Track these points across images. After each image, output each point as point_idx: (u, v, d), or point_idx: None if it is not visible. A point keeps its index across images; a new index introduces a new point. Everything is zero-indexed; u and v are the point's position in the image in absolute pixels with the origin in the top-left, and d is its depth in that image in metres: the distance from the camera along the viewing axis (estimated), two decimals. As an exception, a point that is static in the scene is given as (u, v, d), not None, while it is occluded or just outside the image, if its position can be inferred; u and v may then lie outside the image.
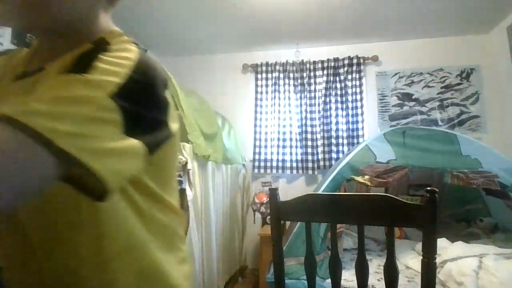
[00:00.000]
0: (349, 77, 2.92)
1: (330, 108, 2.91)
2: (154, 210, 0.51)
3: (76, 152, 0.33)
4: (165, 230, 0.54)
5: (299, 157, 2.93)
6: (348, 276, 1.44)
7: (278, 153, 2.95)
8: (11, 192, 0.31)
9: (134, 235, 0.48)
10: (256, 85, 3.11)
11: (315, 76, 2.99)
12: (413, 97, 2.89)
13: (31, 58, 0.50)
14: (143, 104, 0.41)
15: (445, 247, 1.56)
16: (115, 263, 0.46)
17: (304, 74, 3.00)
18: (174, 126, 0.49)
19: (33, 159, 0.32)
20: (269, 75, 3.09)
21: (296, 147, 2.95)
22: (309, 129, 2.91)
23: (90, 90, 0.36)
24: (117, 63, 0.39)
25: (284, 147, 2.96)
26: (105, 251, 0.45)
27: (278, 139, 2.97)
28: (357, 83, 2.89)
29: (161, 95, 0.44)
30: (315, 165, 2.86)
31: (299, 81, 3.01)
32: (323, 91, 2.93)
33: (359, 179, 1.70)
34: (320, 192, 1.61)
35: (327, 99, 2.92)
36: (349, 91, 2.90)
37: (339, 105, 2.89)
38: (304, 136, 2.91)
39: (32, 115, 0.31)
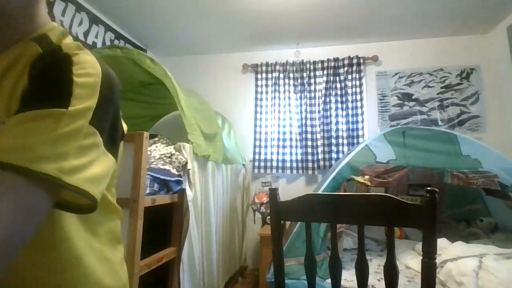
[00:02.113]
0: (349, 77, 2.92)
1: (330, 108, 2.91)
2: (103, 219, 0.53)
3: (82, 184, 0.38)
4: (112, 235, 0.56)
5: (299, 157, 2.93)
6: (348, 276, 1.44)
7: (278, 153, 2.95)
8: (21, 238, 0.35)
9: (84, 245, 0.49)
10: (256, 85, 3.11)
11: (315, 76, 2.99)
12: (413, 97, 2.89)
13: None
14: (112, 120, 0.45)
15: (445, 247, 1.56)
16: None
17: (304, 74, 3.00)
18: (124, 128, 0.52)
19: (39, 202, 0.36)
20: (269, 75, 3.09)
21: (296, 147, 2.95)
22: (309, 129, 2.91)
23: (76, 122, 0.38)
24: (89, 85, 0.40)
25: (284, 147, 2.96)
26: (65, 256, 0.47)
27: (278, 139, 2.97)
28: (357, 83, 2.90)
29: (119, 106, 0.47)
30: (315, 165, 2.86)
31: (299, 81, 3.01)
32: (323, 91, 2.93)
33: (359, 179, 1.70)
34: (320, 192, 1.61)
35: (327, 99, 2.92)
36: (349, 91, 2.90)
37: (339, 105, 2.89)
38: (304, 136, 2.91)
39: (40, 161, 0.34)
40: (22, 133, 0.35)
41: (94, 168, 0.40)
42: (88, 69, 0.41)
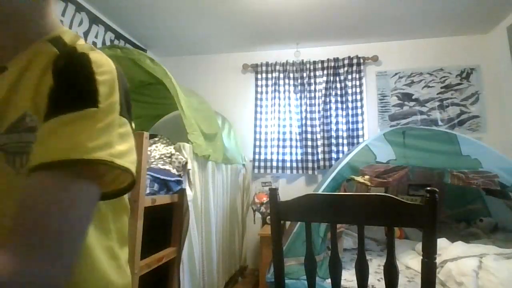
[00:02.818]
0: (349, 77, 2.92)
1: (330, 108, 2.91)
2: (114, 215, 0.55)
3: (129, 166, 0.43)
4: (120, 234, 0.57)
5: (299, 157, 2.93)
6: (348, 276, 1.44)
7: (278, 153, 2.95)
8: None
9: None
10: (256, 85, 3.11)
11: (315, 76, 2.99)
12: (413, 97, 2.89)
13: None
14: (130, 110, 0.49)
15: (445, 247, 1.56)
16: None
17: (304, 74, 3.00)
18: None
19: (94, 192, 0.41)
20: (269, 75, 3.09)
21: (296, 147, 2.95)
22: (309, 129, 2.91)
23: (109, 115, 0.42)
24: (109, 82, 0.44)
25: (284, 147, 2.96)
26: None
27: (278, 139, 2.97)
28: (357, 83, 2.89)
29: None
30: (315, 165, 2.86)
31: (299, 81, 3.01)
32: (323, 91, 2.93)
33: (359, 179, 1.70)
34: (320, 192, 1.61)
35: (327, 99, 2.92)
36: (349, 91, 2.90)
37: (339, 105, 2.89)
38: (304, 136, 2.91)
39: (92, 151, 0.39)
40: (69, 134, 0.38)
41: (133, 153, 0.46)
42: (105, 66, 0.44)
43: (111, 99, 0.43)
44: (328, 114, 2.90)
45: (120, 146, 0.42)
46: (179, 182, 1.58)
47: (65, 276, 0.36)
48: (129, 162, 0.43)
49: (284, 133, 2.97)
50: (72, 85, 0.42)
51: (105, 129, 0.41)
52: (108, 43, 2.59)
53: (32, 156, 0.38)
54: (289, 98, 3.01)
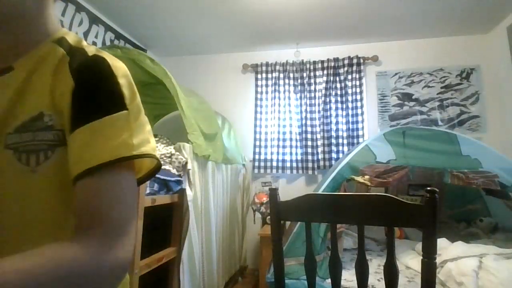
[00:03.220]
0: (349, 77, 2.92)
1: (330, 108, 2.91)
2: None
3: (155, 155, 0.48)
4: None
5: (299, 157, 2.93)
6: (348, 276, 1.44)
7: (278, 153, 2.95)
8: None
9: None
10: (256, 85, 3.11)
11: (315, 76, 2.99)
12: (413, 97, 2.89)
13: None
14: None
15: (445, 247, 1.56)
16: None
17: (304, 74, 3.00)
18: None
19: (135, 183, 0.46)
20: (269, 75, 3.09)
21: (296, 147, 2.95)
22: (309, 129, 2.91)
23: (138, 115, 0.47)
24: (129, 85, 0.47)
25: (284, 147, 2.96)
26: None
27: (278, 139, 2.97)
28: (357, 83, 2.89)
29: None
30: (315, 165, 2.86)
31: (299, 81, 3.01)
32: (323, 91, 2.93)
33: (359, 179, 1.70)
34: (320, 192, 1.61)
35: (327, 99, 2.92)
36: (349, 91, 2.90)
37: (339, 105, 2.89)
38: (304, 136, 2.91)
39: (137, 147, 0.44)
40: (111, 136, 0.42)
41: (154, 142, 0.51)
42: (121, 69, 0.47)
43: (135, 101, 0.47)
44: (328, 114, 2.90)
45: (152, 140, 0.48)
46: (179, 182, 1.58)
47: (131, 256, 0.41)
48: (159, 154, 0.51)
49: (284, 133, 2.97)
50: (100, 90, 0.44)
51: (139, 127, 0.46)
52: (108, 43, 2.59)
53: (77, 160, 0.41)
54: (289, 98, 3.01)
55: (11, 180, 0.42)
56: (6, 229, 0.41)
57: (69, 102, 0.43)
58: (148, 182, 1.35)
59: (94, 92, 0.44)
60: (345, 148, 2.82)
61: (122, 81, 0.46)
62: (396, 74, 2.94)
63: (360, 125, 2.83)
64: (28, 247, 0.34)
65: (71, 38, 0.51)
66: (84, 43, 0.52)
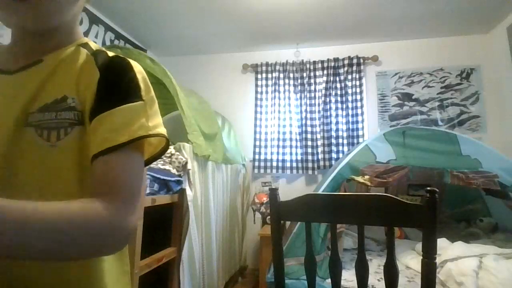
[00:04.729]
0: (349, 77, 2.92)
1: (330, 108, 2.91)
2: None
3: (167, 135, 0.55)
4: None
5: (299, 157, 2.93)
6: (348, 276, 1.44)
7: (278, 153, 2.95)
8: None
9: None
10: (256, 85, 3.11)
11: (315, 76, 2.99)
12: (413, 97, 2.89)
13: (13, 54, 0.56)
14: None
15: (445, 247, 1.56)
16: None
17: (304, 74, 3.00)
18: None
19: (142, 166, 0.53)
20: (269, 75, 3.09)
21: (296, 147, 2.95)
22: (309, 129, 2.91)
23: (153, 105, 0.55)
24: (144, 80, 0.55)
25: (284, 147, 2.96)
26: None
27: (278, 139, 2.97)
28: (357, 83, 2.90)
29: None
30: (315, 165, 2.86)
31: (299, 81, 3.01)
32: (323, 91, 2.93)
33: (359, 179, 1.70)
34: (320, 192, 1.61)
35: (327, 99, 2.92)
36: (349, 91, 2.90)
37: (339, 105, 2.89)
38: (304, 136, 2.91)
39: (154, 129, 0.52)
40: (130, 119, 0.49)
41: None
42: (138, 67, 0.56)
43: (150, 93, 0.55)
44: (328, 114, 2.90)
45: (163, 126, 0.55)
46: (179, 182, 1.58)
47: (137, 224, 0.48)
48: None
49: (284, 133, 2.97)
50: (122, 82, 0.53)
51: (154, 114, 0.53)
52: (108, 43, 2.59)
53: (101, 140, 0.47)
54: (289, 98, 3.01)
55: (31, 155, 0.48)
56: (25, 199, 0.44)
57: (94, 90, 0.51)
58: (148, 182, 1.35)
59: (117, 83, 0.52)
60: (345, 148, 2.82)
61: (139, 76, 0.54)
62: (396, 74, 2.94)
63: (360, 125, 2.83)
64: None
65: (93, 44, 0.60)
66: (103, 48, 0.61)
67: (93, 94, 0.50)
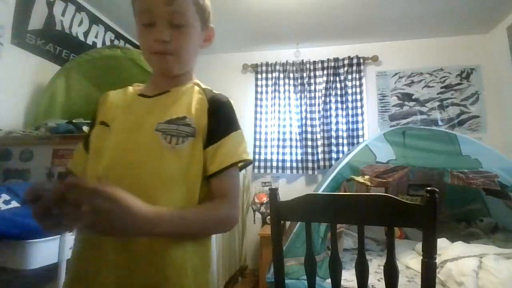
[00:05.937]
0: (349, 77, 2.92)
1: (330, 108, 2.91)
2: None
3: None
4: None
5: (299, 157, 2.93)
6: (348, 276, 1.44)
7: (278, 153, 2.95)
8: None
9: None
10: (256, 85, 3.11)
11: (315, 76, 2.99)
12: (413, 97, 2.89)
13: (151, 87, 0.78)
14: None
15: (445, 247, 1.56)
16: None
17: (304, 74, 3.00)
18: None
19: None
20: (269, 75, 3.09)
21: (296, 147, 2.95)
22: (309, 129, 2.91)
23: (243, 134, 0.76)
24: (235, 112, 0.75)
25: (284, 147, 2.96)
26: None
27: (278, 139, 2.97)
28: (357, 83, 2.90)
29: None
30: (315, 165, 2.86)
31: (299, 81, 3.01)
32: (323, 91, 2.93)
33: (359, 179, 1.70)
34: (320, 192, 1.61)
35: (327, 99, 2.92)
36: (349, 91, 2.90)
37: (339, 105, 2.89)
38: (304, 136, 2.91)
39: (247, 153, 0.73)
40: (238, 145, 0.72)
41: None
42: (231, 101, 0.76)
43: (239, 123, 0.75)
44: (328, 114, 2.90)
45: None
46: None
47: (239, 217, 0.73)
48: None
49: (284, 133, 2.97)
50: (229, 117, 0.74)
51: (244, 140, 0.74)
52: (108, 43, 2.59)
53: (219, 161, 0.68)
54: (289, 98, 3.01)
55: (156, 152, 0.65)
56: (148, 186, 0.63)
57: (205, 116, 0.70)
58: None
59: (224, 117, 0.72)
60: (345, 148, 2.82)
61: (234, 109, 0.75)
62: (396, 74, 2.94)
63: (360, 125, 2.83)
64: (164, 195, 0.62)
65: (202, 84, 0.80)
66: (207, 87, 0.80)
67: (205, 119, 0.70)
